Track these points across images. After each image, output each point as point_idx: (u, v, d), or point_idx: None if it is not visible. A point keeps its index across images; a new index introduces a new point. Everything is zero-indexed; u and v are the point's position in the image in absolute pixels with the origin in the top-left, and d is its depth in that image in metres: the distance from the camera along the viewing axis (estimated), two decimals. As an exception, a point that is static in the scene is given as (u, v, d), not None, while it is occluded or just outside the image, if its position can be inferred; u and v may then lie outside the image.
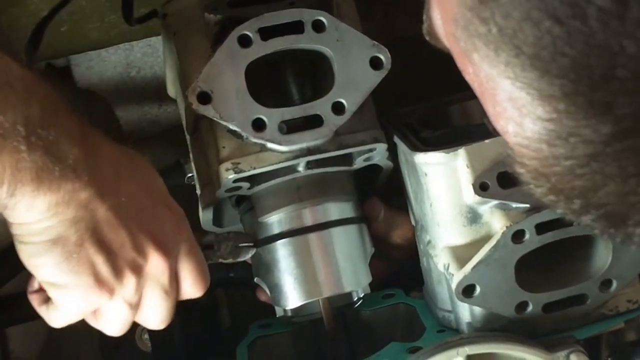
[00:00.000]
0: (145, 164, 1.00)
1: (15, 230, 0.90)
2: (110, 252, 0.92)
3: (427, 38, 0.79)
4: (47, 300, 0.98)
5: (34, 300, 1.00)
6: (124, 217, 0.93)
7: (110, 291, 0.94)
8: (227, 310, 1.49)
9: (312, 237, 1.16)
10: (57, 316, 0.98)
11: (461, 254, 1.06)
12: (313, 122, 1.07)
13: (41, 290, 0.97)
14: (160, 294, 0.98)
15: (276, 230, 1.16)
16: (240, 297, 1.48)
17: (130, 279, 0.94)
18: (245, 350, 1.21)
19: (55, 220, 0.88)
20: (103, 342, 1.39)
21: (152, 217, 0.96)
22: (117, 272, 0.93)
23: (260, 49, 1.05)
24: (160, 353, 1.32)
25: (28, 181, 0.83)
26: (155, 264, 0.96)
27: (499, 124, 0.64)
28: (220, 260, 1.13)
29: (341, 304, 1.21)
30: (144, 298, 0.98)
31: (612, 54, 0.53)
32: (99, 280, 0.93)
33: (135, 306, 0.98)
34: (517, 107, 0.60)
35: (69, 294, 0.94)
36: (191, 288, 1.02)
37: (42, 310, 0.99)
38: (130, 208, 0.94)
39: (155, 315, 1.01)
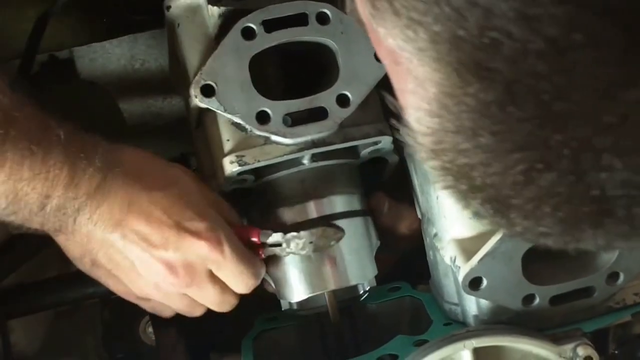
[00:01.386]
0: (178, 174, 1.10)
1: None
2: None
3: (354, 20, 0.78)
4: None
5: None
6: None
7: None
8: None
9: (317, 229, 1.15)
10: None
11: (468, 247, 1.06)
12: (318, 114, 1.06)
13: None
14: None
15: (281, 223, 1.16)
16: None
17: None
18: (250, 343, 1.21)
19: None
20: (106, 335, 1.39)
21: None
22: None
23: (264, 41, 1.05)
24: (164, 346, 1.32)
25: None
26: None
27: (402, 101, 0.63)
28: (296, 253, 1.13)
29: (347, 297, 1.21)
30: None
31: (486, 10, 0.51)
32: None
33: None
34: (414, 77, 0.58)
35: None
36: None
37: None
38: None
39: None
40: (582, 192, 0.56)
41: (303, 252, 1.12)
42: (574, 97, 0.51)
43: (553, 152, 0.54)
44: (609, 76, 0.51)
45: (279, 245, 1.11)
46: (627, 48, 0.50)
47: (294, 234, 1.11)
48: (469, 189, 0.61)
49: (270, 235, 1.11)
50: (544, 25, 0.50)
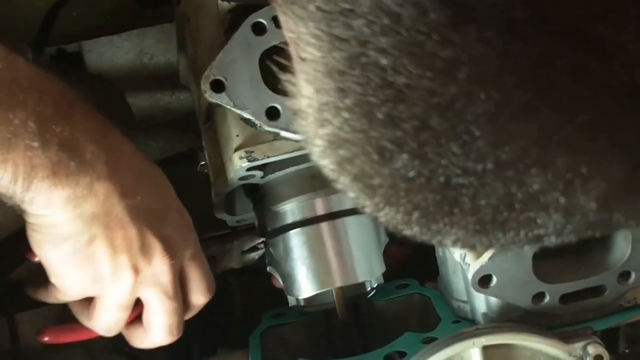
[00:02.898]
0: (160, 171, 1.03)
1: (29, 219, 0.92)
2: (116, 250, 0.94)
3: None
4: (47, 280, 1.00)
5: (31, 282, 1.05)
6: (138, 217, 0.95)
7: (103, 289, 0.97)
8: (240, 298, 1.48)
9: (325, 226, 1.15)
10: (55, 298, 1.02)
11: (477, 244, 1.05)
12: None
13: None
14: (161, 296, 1.00)
15: (289, 219, 1.16)
16: (253, 285, 1.48)
17: (127, 279, 0.96)
18: (257, 339, 1.21)
19: (71, 215, 0.90)
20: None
21: (163, 220, 0.98)
22: (116, 271, 0.95)
23: (275, 37, 1.04)
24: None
25: (44, 177, 0.86)
26: (159, 265, 0.97)
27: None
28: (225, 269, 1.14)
29: (354, 294, 1.21)
30: (146, 301, 1.00)
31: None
32: (96, 277, 0.95)
33: (126, 308, 0.99)
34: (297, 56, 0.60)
35: (66, 282, 0.97)
36: (196, 294, 1.05)
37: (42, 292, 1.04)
38: (145, 209, 0.95)
39: (160, 322, 1.02)
40: (429, 178, 0.55)
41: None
42: (409, 73, 0.51)
43: (401, 130, 0.53)
44: (439, 54, 0.50)
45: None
46: (456, 24, 0.49)
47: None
48: (341, 162, 0.60)
49: None
50: (389, 1, 0.50)
